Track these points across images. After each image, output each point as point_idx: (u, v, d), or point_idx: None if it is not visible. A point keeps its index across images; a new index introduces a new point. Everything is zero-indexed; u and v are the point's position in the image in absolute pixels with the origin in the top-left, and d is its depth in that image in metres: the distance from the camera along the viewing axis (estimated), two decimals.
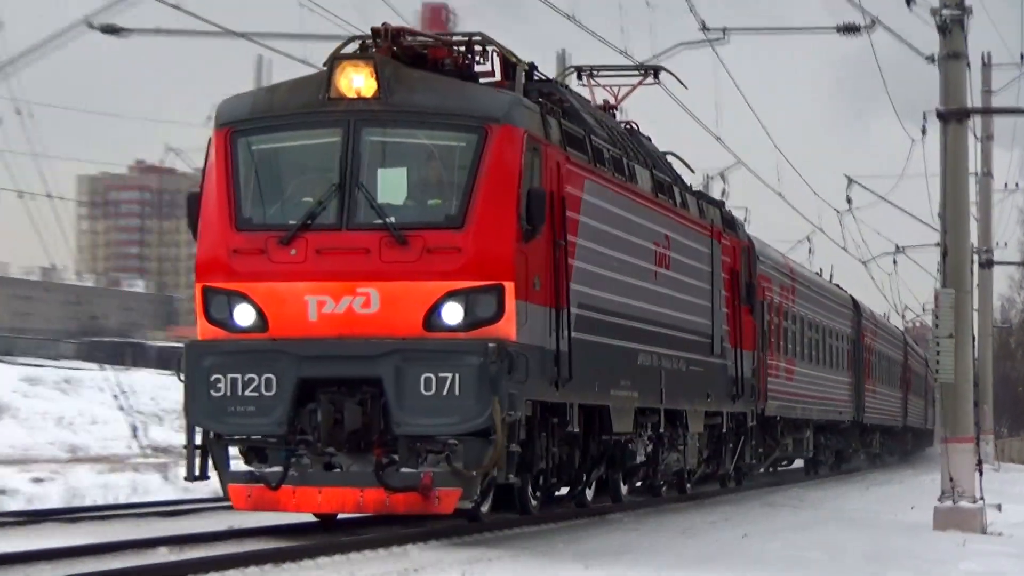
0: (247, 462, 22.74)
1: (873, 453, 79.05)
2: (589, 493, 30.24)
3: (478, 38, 25.31)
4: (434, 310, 21.78)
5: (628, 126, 35.04)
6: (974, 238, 35.99)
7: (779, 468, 59.62)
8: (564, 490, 29.06)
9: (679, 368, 32.08)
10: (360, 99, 22.39)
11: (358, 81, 22.32)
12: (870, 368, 70.79)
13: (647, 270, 29.78)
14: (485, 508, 24.74)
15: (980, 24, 29.75)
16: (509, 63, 26.49)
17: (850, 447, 67.33)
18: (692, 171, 38.31)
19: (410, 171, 23.40)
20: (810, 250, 71.96)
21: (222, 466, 22.57)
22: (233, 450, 23.30)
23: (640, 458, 30.86)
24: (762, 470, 49.55)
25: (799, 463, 60.83)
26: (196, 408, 22.22)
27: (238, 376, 21.85)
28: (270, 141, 23.06)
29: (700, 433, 34.97)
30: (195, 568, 18.21)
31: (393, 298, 21.77)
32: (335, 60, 22.73)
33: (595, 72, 35.75)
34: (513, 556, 21.36)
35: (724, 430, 37.78)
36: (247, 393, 21.82)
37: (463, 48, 25.24)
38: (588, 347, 25.61)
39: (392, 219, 22.18)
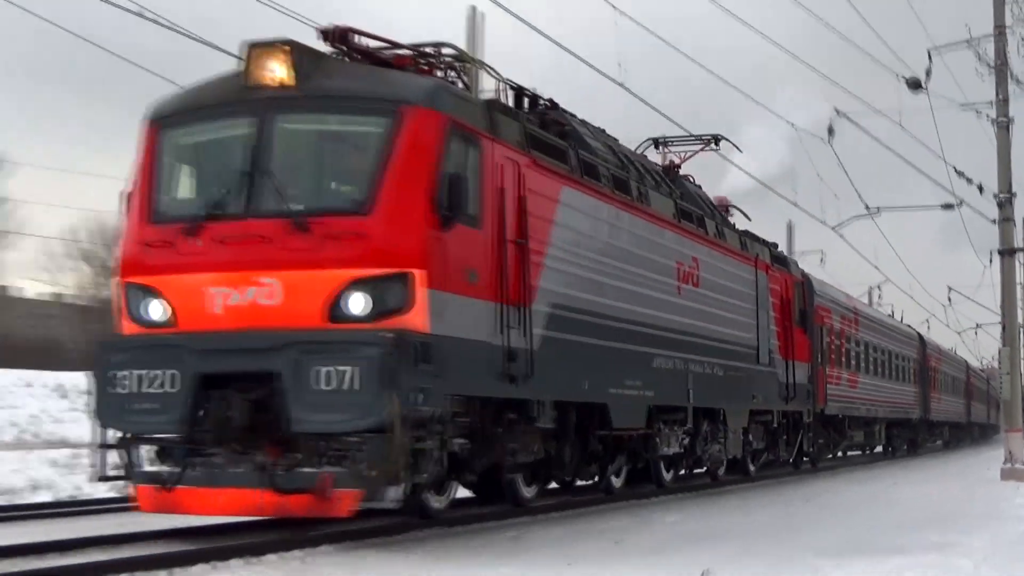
0: (162, 462, 13.00)
1: (944, 440, 66.84)
2: (617, 481, 19.89)
3: (451, 51, 15.24)
4: (338, 300, 12.07)
5: (685, 177, 24.70)
6: (1021, 319, 35.30)
7: (870, 452, 48.32)
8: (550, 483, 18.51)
9: (713, 372, 21.73)
10: (276, 86, 12.74)
11: (273, 68, 12.74)
12: (935, 382, 58.38)
13: (666, 284, 19.54)
14: (441, 504, 14.72)
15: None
16: (523, 91, 16.90)
17: (919, 437, 54.74)
18: (749, 219, 27.82)
19: (321, 157, 13.45)
20: (928, 327, 68.28)
21: (130, 466, 12.83)
22: None
23: (671, 449, 20.36)
24: (831, 456, 38.06)
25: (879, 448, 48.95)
26: (102, 406, 12.66)
27: (143, 373, 12.31)
28: (188, 134, 13.44)
29: (745, 428, 24.28)
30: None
31: (296, 288, 12.11)
32: (250, 48, 12.98)
33: (668, 141, 25.45)
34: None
35: (776, 425, 26.78)
36: (150, 390, 12.29)
37: (438, 61, 15.05)
38: (566, 346, 15.52)
39: (296, 206, 12.50)
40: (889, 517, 17.45)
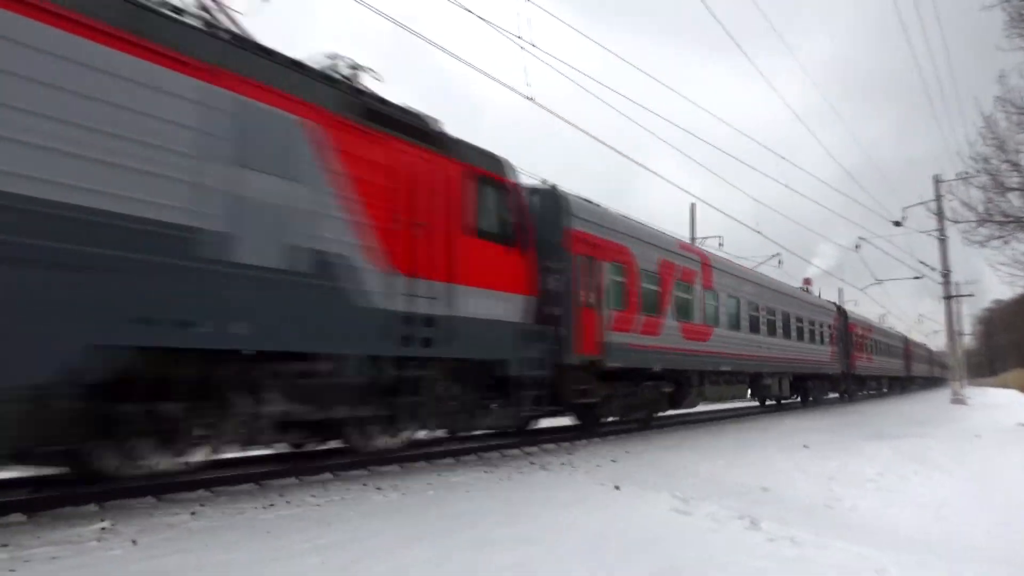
0: None
1: (886, 388, 45.87)
2: None
3: None
4: None
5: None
6: (956, 326, 30.82)
7: (782, 403, 28.36)
8: None
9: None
10: None
11: None
12: (861, 345, 37.15)
13: None
14: None
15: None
16: None
17: (844, 387, 34.04)
18: (380, 80, 9.79)
19: None
20: (910, 332, 62.37)
21: None
22: None
23: None
24: (669, 412, 17.74)
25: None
26: None
27: None
28: None
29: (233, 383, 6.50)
30: None
31: None
32: None
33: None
34: None
35: (360, 381, 8.48)
36: None
37: None
38: None
39: None
40: (889, 421, 17.71)
